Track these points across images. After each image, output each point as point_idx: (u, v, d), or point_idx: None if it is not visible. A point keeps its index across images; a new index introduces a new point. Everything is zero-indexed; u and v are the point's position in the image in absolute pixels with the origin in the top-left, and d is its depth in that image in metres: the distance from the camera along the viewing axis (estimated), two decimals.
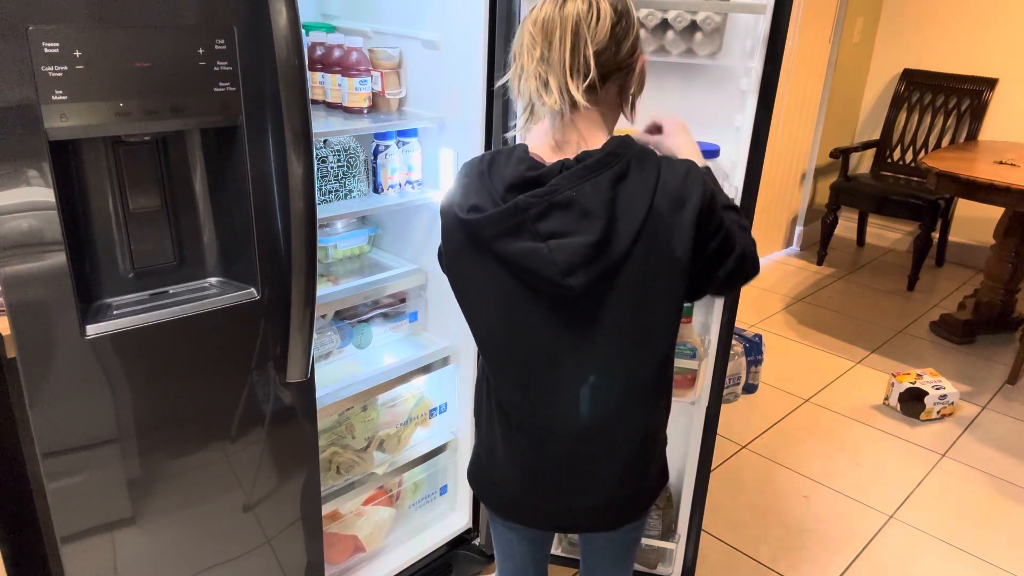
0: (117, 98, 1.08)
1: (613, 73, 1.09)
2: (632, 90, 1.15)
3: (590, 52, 1.05)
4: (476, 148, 1.67)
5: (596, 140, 1.09)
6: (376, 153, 1.73)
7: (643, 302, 1.09)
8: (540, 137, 1.13)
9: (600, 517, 1.26)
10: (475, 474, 1.34)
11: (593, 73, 1.05)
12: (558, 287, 1.05)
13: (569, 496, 1.23)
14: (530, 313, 1.11)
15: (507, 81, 1.14)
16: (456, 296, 1.20)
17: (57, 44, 1.01)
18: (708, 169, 1.21)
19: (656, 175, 1.06)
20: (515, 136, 1.23)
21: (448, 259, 1.17)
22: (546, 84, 1.06)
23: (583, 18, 1.04)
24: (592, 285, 1.06)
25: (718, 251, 1.12)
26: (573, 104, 1.06)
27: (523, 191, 1.05)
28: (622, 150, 1.05)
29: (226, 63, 1.16)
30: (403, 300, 1.96)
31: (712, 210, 1.09)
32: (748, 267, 1.17)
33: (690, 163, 1.10)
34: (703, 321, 1.79)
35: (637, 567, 1.95)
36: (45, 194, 1.05)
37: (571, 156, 1.08)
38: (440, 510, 2.07)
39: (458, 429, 1.98)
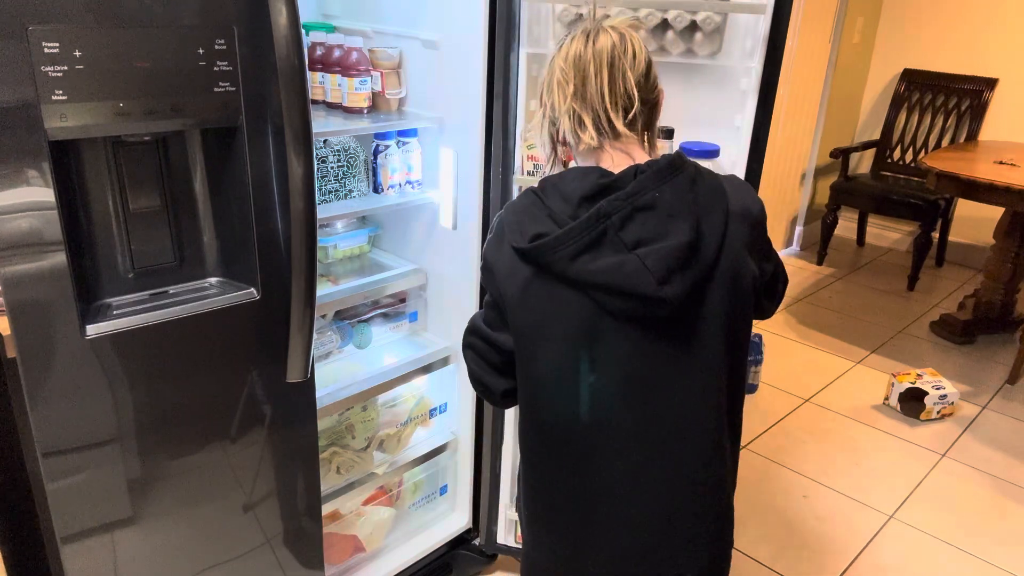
0: (117, 98, 1.08)
1: (645, 104, 1.06)
2: (656, 124, 1.12)
3: (631, 82, 1.03)
4: (476, 148, 1.67)
5: (645, 160, 1.05)
6: (376, 153, 1.73)
7: (731, 319, 1.02)
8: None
9: None
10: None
11: (636, 102, 1.04)
12: (651, 303, 0.96)
13: (670, 566, 1.07)
14: (616, 346, 1.00)
15: (533, 125, 1.11)
16: (520, 349, 1.06)
17: (57, 44, 1.01)
18: None
19: (719, 181, 1.04)
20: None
21: (512, 305, 1.04)
22: (580, 121, 1.04)
23: (617, 49, 1.03)
24: (686, 297, 0.98)
25: (773, 275, 1.13)
26: (615, 135, 1.04)
27: (600, 199, 0.99)
28: (682, 158, 1.02)
29: (226, 63, 1.16)
30: (403, 300, 1.96)
31: (765, 221, 1.07)
32: (785, 285, 1.18)
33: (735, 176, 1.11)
34: None
35: None
36: (45, 194, 1.05)
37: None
38: (440, 510, 2.07)
39: (458, 429, 1.98)
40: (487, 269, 1.07)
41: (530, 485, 1.14)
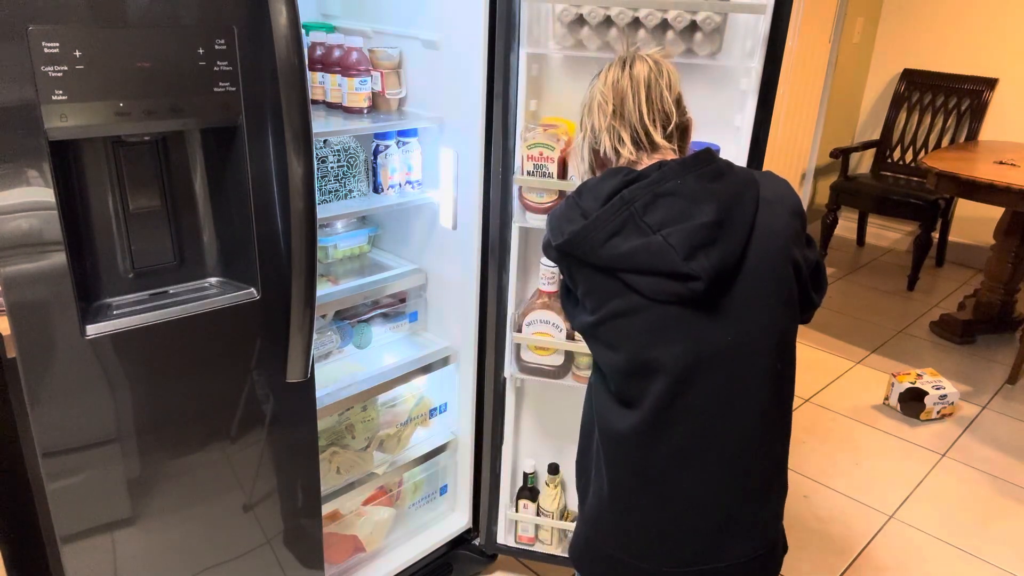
0: (117, 98, 1.08)
1: (679, 127, 1.14)
2: (688, 145, 1.18)
3: (668, 101, 1.11)
4: (476, 148, 1.67)
5: None
6: (376, 153, 1.73)
7: (770, 302, 1.06)
8: None
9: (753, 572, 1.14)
10: (592, 557, 1.19)
11: (674, 117, 1.11)
12: (682, 279, 1.01)
13: (710, 552, 1.11)
14: (662, 331, 1.05)
15: (574, 148, 1.20)
16: (585, 336, 1.15)
17: (57, 44, 1.01)
18: None
19: (751, 175, 1.09)
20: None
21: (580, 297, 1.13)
22: (620, 138, 1.11)
23: (653, 73, 1.11)
24: (718, 278, 1.02)
25: (817, 265, 1.15)
26: (653, 148, 1.11)
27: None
28: (711, 154, 1.08)
29: (226, 63, 1.16)
30: (403, 300, 1.96)
31: (804, 213, 1.11)
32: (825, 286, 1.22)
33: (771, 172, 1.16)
34: None
35: None
36: (45, 194, 1.05)
37: None
38: (440, 510, 2.07)
39: (458, 429, 1.98)
40: (560, 268, 1.16)
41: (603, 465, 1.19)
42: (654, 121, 1.11)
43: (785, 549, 1.20)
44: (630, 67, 1.11)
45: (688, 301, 1.03)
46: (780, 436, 1.14)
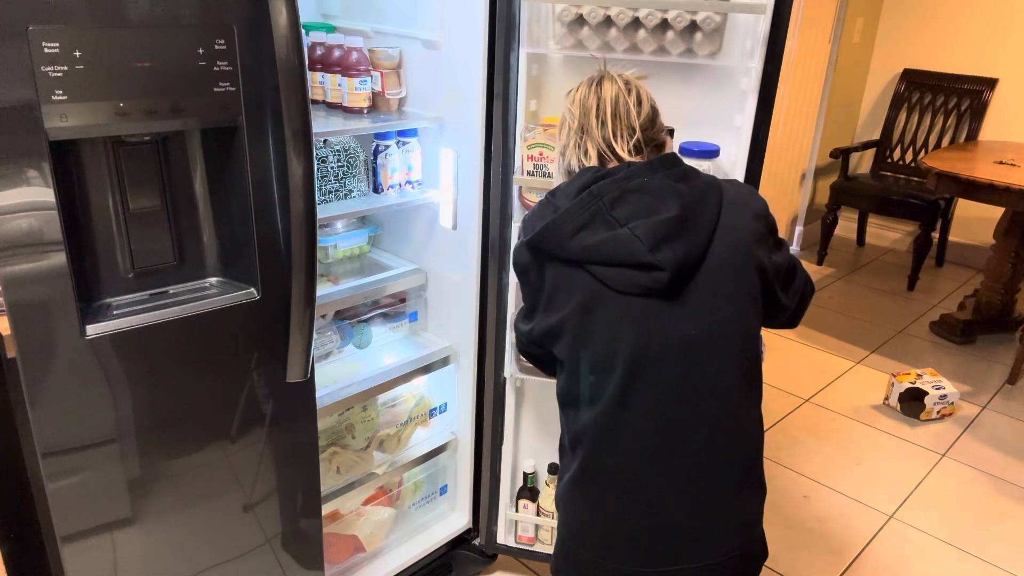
0: (117, 98, 1.08)
1: (651, 142, 1.16)
2: None
3: (634, 119, 1.13)
4: (476, 148, 1.67)
5: None
6: (376, 153, 1.73)
7: (733, 299, 1.08)
8: None
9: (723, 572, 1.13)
10: (569, 564, 1.19)
11: (639, 134, 1.13)
12: (647, 269, 1.04)
13: (682, 552, 1.10)
14: (627, 321, 1.07)
15: (554, 162, 1.25)
16: (549, 336, 1.16)
17: (57, 44, 1.01)
18: None
19: (716, 180, 1.13)
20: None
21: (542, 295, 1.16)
22: (586, 152, 1.15)
23: (621, 92, 1.14)
24: (682, 269, 1.04)
25: (788, 268, 1.17)
26: (618, 160, 1.14)
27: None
28: (677, 158, 1.12)
29: (226, 63, 1.16)
30: (403, 300, 1.96)
31: (770, 217, 1.14)
32: (811, 289, 1.24)
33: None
34: None
35: None
36: (45, 194, 1.05)
37: None
38: (440, 510, 2.07)
39: (458, 429, 1.98)
40: (518, 272, 1.19)
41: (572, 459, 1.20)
42: (619, 135, 1.14)
43: (764, 555, 1.18)
44: (598, 85, 1.15)
45: (653, 293, 1.06)
46: (752, 435, 1.14)
